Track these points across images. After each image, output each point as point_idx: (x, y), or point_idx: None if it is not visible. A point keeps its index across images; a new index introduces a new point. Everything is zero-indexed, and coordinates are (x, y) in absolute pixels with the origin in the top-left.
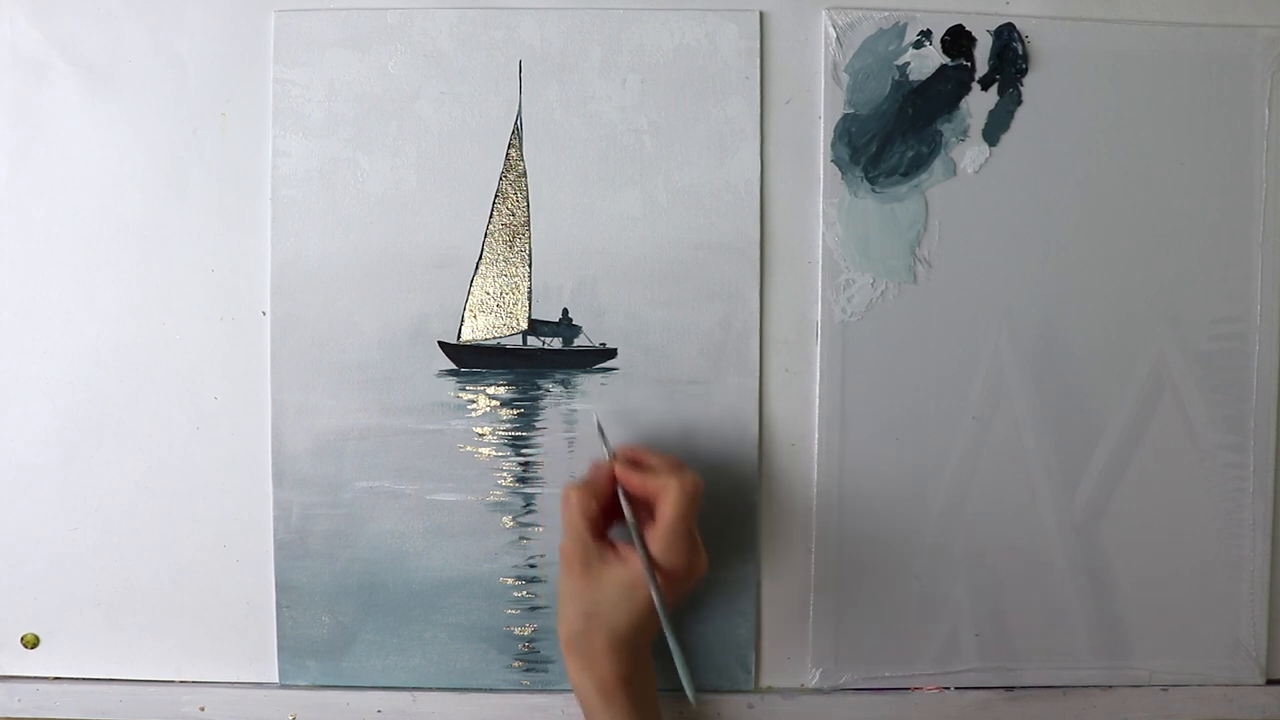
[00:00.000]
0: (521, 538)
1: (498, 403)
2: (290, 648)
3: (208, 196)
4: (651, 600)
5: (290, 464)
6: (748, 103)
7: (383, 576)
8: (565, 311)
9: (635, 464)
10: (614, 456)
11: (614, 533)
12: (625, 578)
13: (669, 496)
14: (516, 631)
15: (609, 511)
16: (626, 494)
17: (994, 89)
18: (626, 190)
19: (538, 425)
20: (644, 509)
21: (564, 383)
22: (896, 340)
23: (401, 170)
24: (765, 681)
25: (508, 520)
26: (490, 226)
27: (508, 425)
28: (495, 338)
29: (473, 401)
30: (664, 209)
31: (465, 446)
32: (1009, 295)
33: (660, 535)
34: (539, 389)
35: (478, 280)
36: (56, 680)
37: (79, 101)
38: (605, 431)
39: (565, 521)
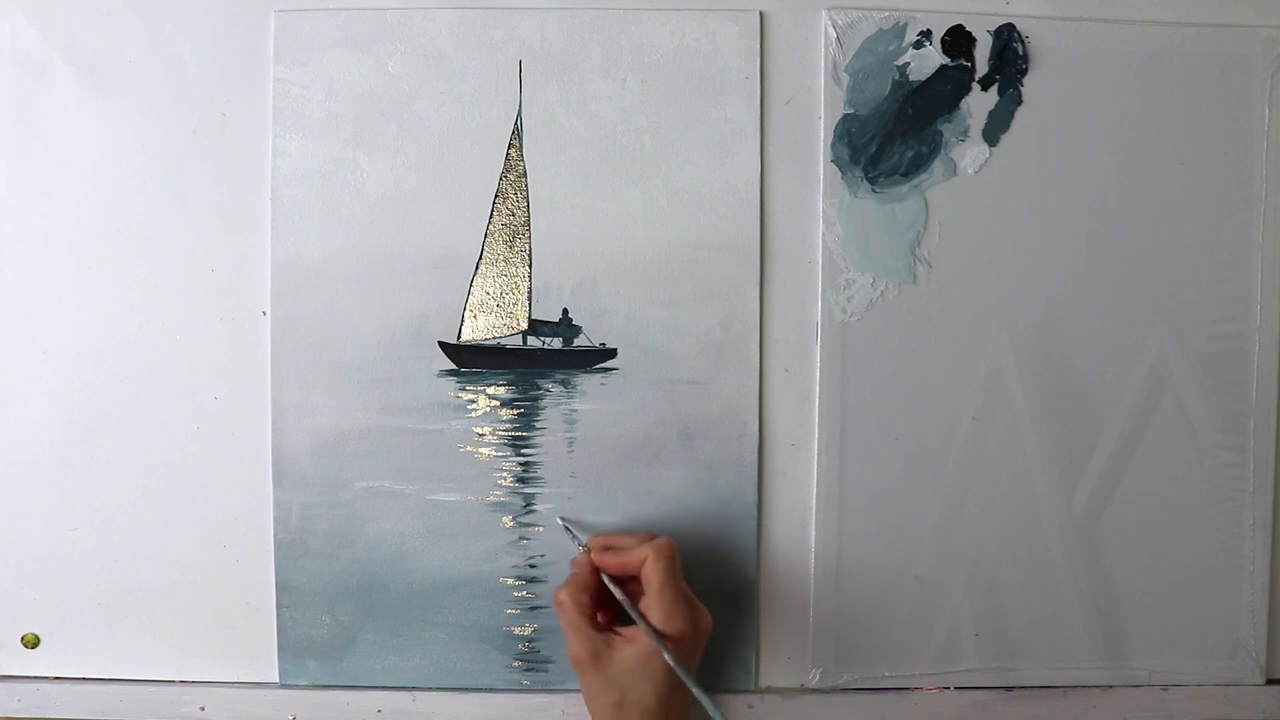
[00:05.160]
0: (521, 538)
1: (498, 403)
2: (290, 648)
3: (208, 196)
4: (670, 669)
5: (290, 464)
6: (748, 103)
7: (383, 576)
8: (565, 311)
9: (609, 548)
10: (587, 549)
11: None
12: (637, 654)
13: (648, 565)
14: (516, 631)
15: (601, 602)
16: (611, 577)
17: (994, 89)
18: (626, 190)
19: (538, 425)
20: (633, 586)
21: (564, 383)
22: (896, 340)
23: (401, 170)
24: (765, 681)
25: (508, 520)
26: (490, 226)
27: (508, 425)
28: (495, 338)
29: (473, 401)
30: (664, 209)
31: (465, 446)
32: (1009, 295)
33: (653, 603)
34: (539, 389)
35: (478, 280)
36: (56, 680)
37: (79, 101)
38: (572, 529)
39: (565, 624)
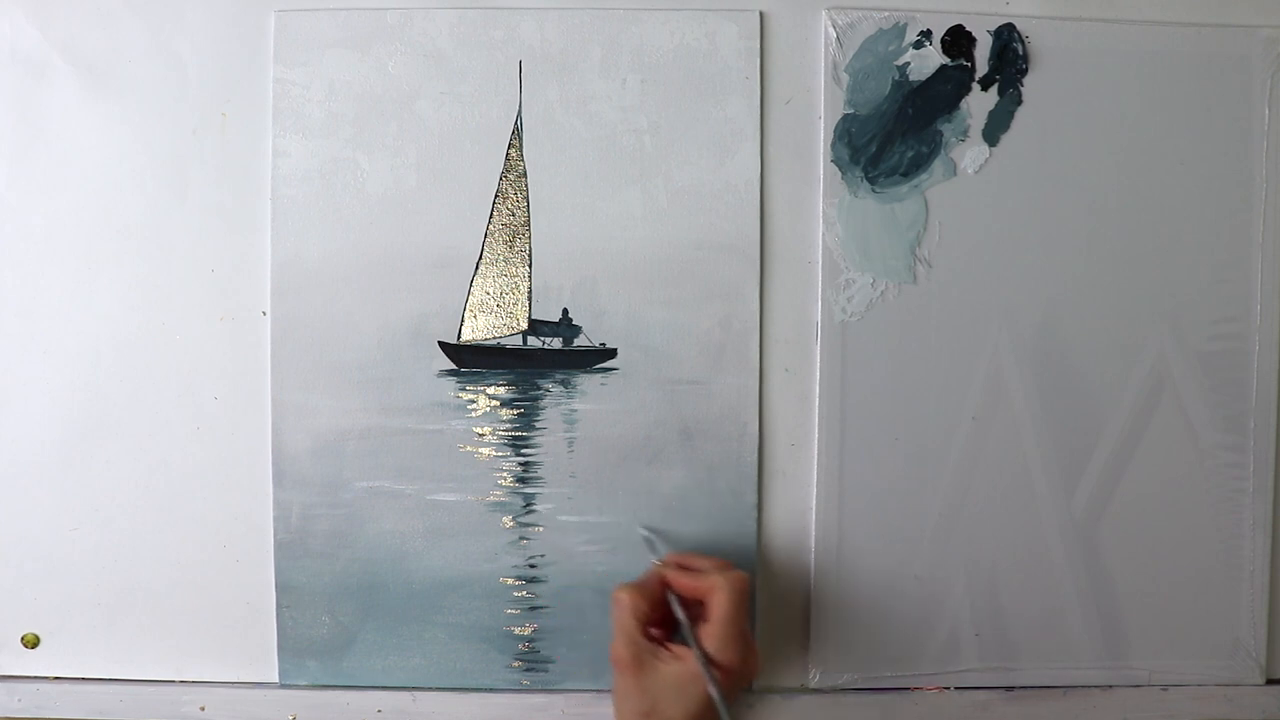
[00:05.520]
0: (521, 538)
1: (498, 403)
2: (290, 648)
3: (208, 196)
4: (707, 696)
5: (290, 464)
6: (748, 103)
7: (383, 576)
8: (565, 311)
9: (683, 567)
10: (663, 562)
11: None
12: (680, 674)
13: (719, 595)
14: (516, 631)
15: (658, 613)
16: (677, 595)
17: (994, 89)
18: (626, 190)
19: (538, 425)
20: (695, 608)
21: (564, 383)
22: (896, 340)
23: (401, 170)
24: (765, 681)
25: (508, 520)
26: (490, 226)
27: (508, 425)
28: (495, 338)
29: (473, 401)
30: (664, 209)
31: (465, 446)
32: (1009, 295)
33: (714, 633)
34: (539, 389)
35: (478, 280)
36: (56, 680)
37: (79, 101)
38: (653, 541)
39: (616, 623)
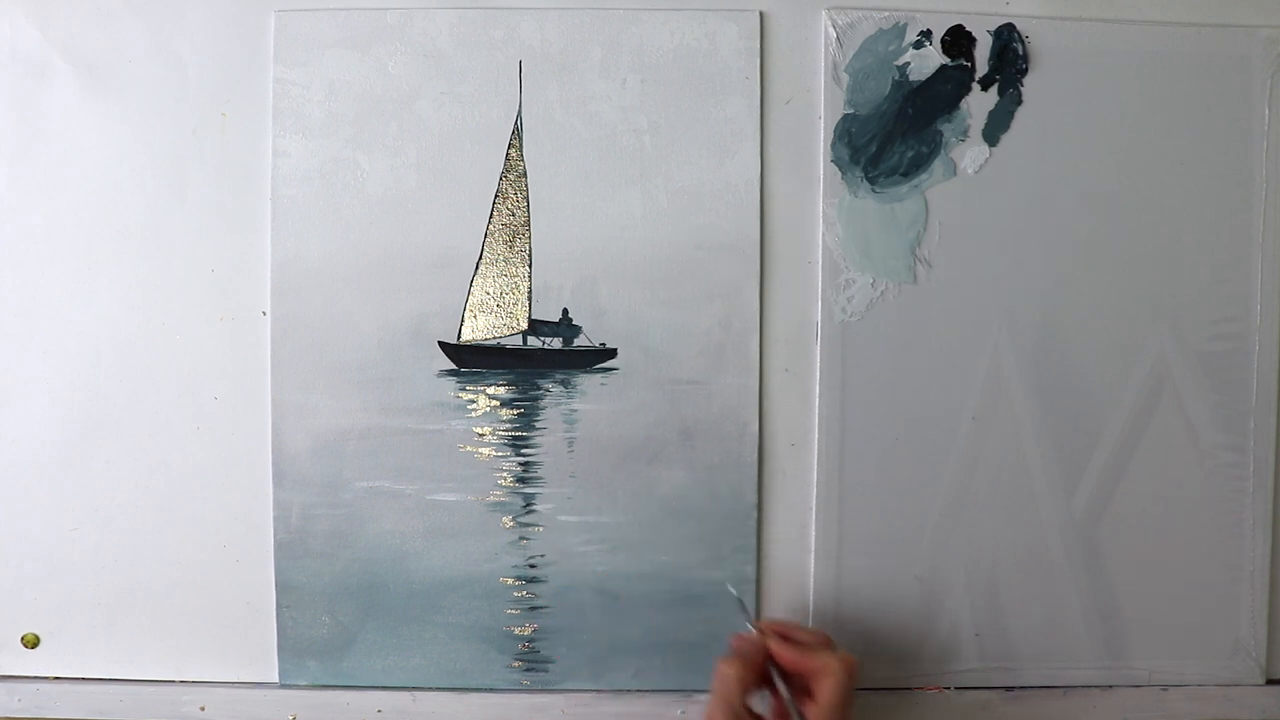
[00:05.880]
0: (521, 538)
1: (498, 403)
2: (290, 648)
3: (208, 196)
4: None
5: (290, 464)
6: (748, 103)
7: (383, 576)
8: (565, 311)
9: (785, 638)
10: (760, 630)
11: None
12: None
13: (832, 677)
14: (516, 631)
15: (758, 684)
16: (779, 671)
17: (994, 89)
18: (626, 190)
19: (538, 425)
20: (795, 682)
21: (564, 383)
22: (896, 340)
23: (401, 170)
24: None
25: (508, 520)
26: (490, 226)
27: (508, 425)
28: (495, 338)
29: (473, 401)
30: (664, 209)
31: (465, 446)
32: (1009, 295)
33: (823, 716)
34: (539, 389)
35: (478, 280)
36: (56, 680)
37: (79, 101)
38: (744, 603)
39: (719, 696)
